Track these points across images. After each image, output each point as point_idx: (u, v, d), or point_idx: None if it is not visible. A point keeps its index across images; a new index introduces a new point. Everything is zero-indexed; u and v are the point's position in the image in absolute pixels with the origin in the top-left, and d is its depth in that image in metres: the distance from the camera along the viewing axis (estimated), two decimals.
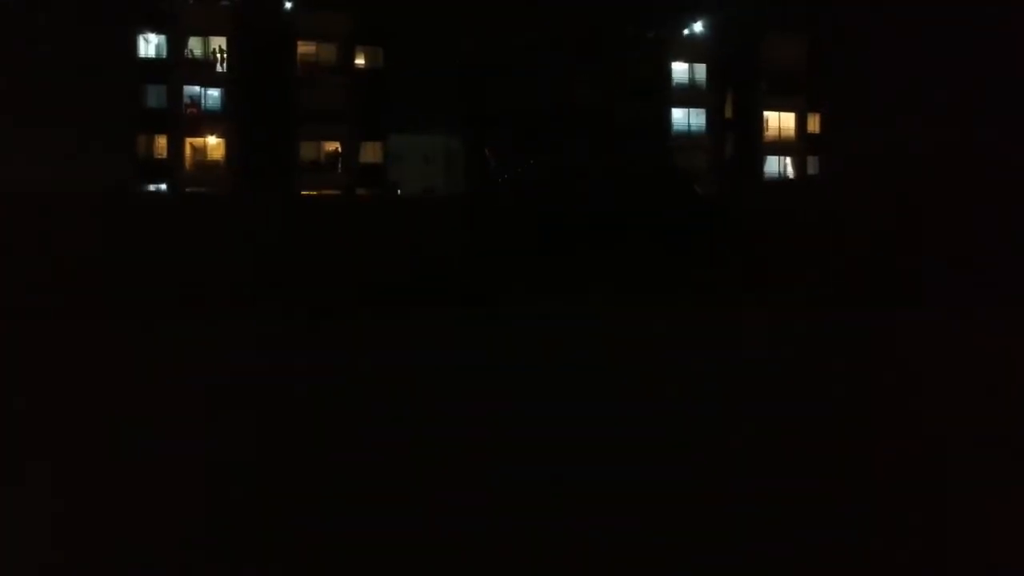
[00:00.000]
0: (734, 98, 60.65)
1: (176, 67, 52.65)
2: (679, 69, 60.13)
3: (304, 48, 54.51)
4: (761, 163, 60.37)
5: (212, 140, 53.72)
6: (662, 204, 15.66)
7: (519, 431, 6.90)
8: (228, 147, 53.26)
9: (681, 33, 61.09)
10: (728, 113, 61.06)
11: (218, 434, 7.17)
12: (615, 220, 15.26)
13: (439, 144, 79.18)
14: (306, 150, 54.77)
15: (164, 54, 53.21)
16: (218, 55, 53.50)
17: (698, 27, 61.31)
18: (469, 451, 6.37)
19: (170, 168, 52.68)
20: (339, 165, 55.30)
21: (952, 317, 13.34)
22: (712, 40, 60.71)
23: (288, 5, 55.20)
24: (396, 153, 63.55)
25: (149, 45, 53.57)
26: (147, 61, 53.27)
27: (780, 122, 60.93)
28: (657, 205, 15.62)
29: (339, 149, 55.22)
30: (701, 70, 60.37)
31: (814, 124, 61.45)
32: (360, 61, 55.90)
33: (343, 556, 4.46)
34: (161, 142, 53.19)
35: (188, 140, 53.37)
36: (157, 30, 53.02)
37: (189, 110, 53.09)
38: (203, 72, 53.36)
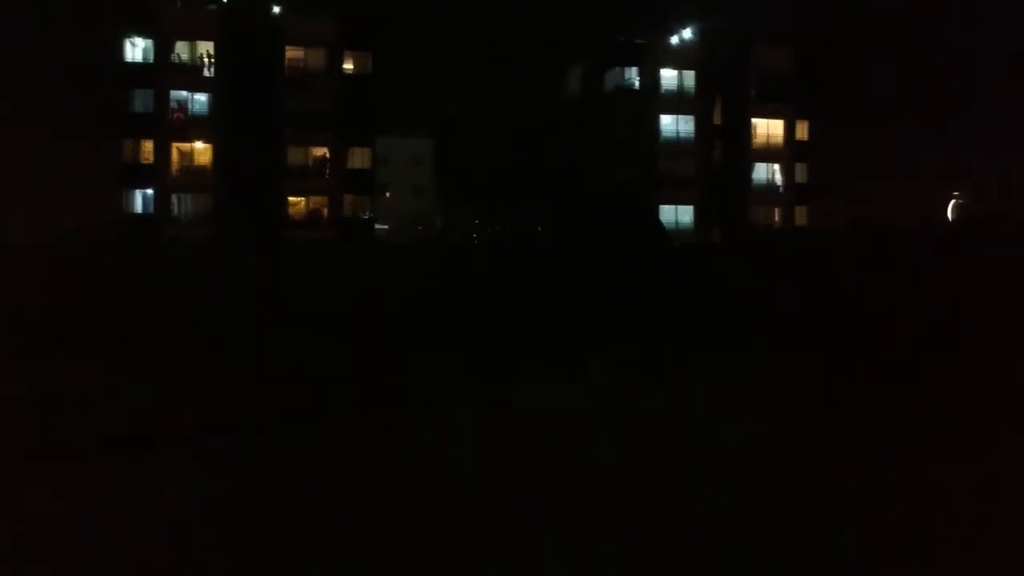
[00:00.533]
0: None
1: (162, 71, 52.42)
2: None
3: (292, 53, 54.25)
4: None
5: (199, 145, 53.42)
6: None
7: None
8: (215, 152, 52.98)
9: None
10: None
11: None
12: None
13: (426, 146, 79.27)
14: (294, 155, 54.49)
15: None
16: (205, 59, 53.19)
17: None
18: None
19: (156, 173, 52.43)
20: (327, 170, 55.01)
21: None
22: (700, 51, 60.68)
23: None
24: (383, 156, 63.45)
25: (136, 49, 53.26)
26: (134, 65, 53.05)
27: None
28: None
29: (327, 154, 54.93)
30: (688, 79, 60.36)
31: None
32: (348, 65, 55.60)
33: None
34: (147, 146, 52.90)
35: (174, 145, 53.07)
36: (144, 34, 52.72)
37: (176, 115, 52.75)
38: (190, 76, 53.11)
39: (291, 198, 54.61)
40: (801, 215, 61.82)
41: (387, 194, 74.74)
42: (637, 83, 59.67)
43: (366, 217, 56.33)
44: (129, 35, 52.75)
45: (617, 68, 60.18)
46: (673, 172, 59.53)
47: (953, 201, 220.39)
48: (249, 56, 52.74)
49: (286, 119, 53.38)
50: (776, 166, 61.26)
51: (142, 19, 52.42)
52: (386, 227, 70.19)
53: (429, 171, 79.09)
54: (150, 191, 52.87)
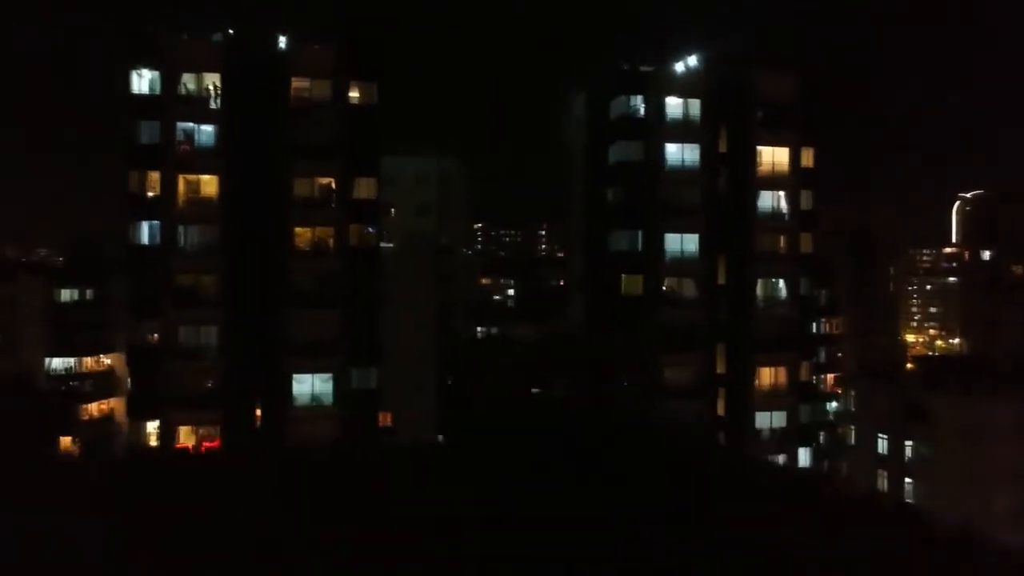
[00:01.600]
0: None
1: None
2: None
3: (297, 84, 54.29)
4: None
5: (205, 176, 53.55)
6: None
7: None
8: (221, 183, 53.16)
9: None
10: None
11: None
12: None
13: (430, 164, 79.56)
14: (299, 185, 54.55)
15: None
16: (212, 91, 53.21)
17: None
18: None
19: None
20: (332, 200, 55.05)
21: None
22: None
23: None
24: (388, 175, 63.36)
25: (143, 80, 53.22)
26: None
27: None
28: None
29: (332, 184, 54.98)
30: None
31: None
32: (354, 94, 55.51)
33: None
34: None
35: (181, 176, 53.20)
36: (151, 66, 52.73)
37: (182, 146, 52.84)
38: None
39: (297, 228, 54.66)
40: (806, 242, 61.75)
41: (392, 211, 75.13)
42: (642, 110, 59.64)
43: (371, 231, 56.10)
44: (136, 67, 52.74)
45: (622, 96, 60.14)
46: (678, 200, 59.54)
47: (957, 204, 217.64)
48: (255, 88, 52.84)
49: (292, 150, 53.48)
50: (781, 193, 61.11)
51: (149, 51, 52.47)
52: (391, 246, 70.42)
53: (434, 190, 79.43)
54: (156, 222, 52.95)
